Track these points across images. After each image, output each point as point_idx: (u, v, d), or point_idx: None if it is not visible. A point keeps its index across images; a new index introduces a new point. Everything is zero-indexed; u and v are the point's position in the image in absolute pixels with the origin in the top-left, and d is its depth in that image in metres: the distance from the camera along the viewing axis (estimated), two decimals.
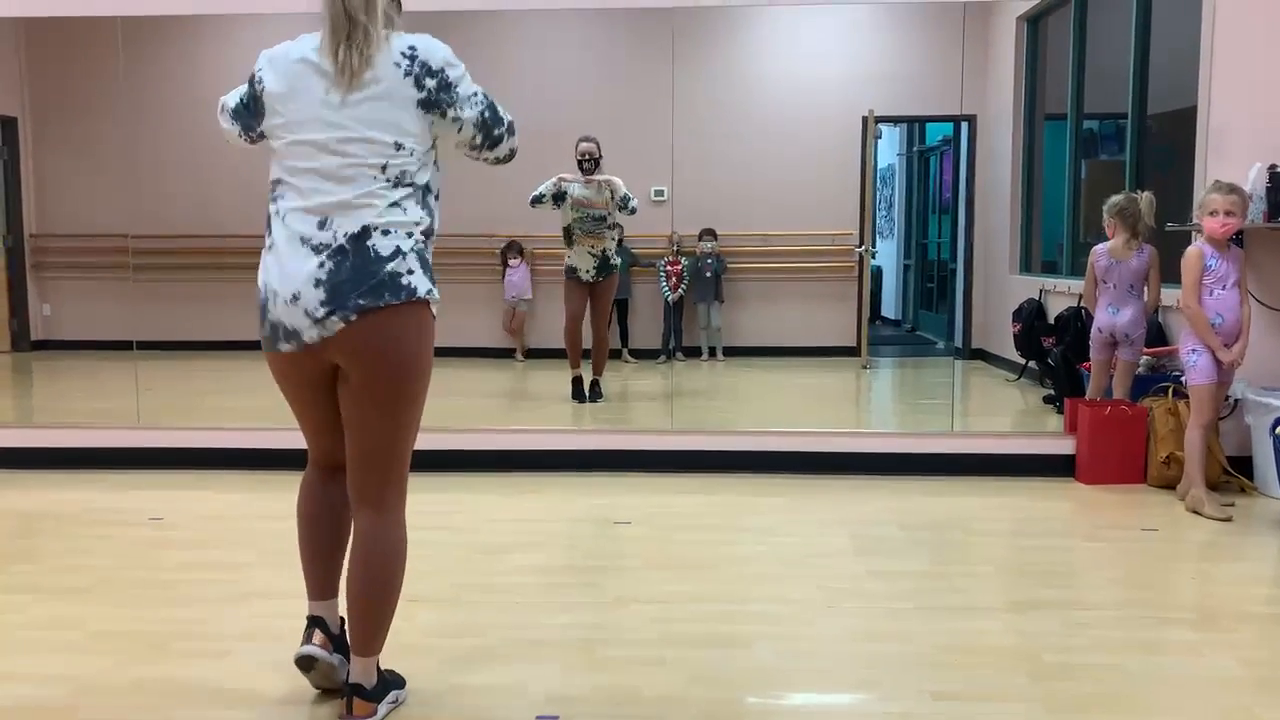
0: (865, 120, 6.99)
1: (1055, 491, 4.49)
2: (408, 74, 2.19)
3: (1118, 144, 6.43)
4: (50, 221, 7.22)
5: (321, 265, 2.15)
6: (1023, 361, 6.41)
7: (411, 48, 2.21)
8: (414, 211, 2.23)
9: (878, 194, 9.29)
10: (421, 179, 2.24)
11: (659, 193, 6.89)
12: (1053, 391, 5.83)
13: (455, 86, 2.24)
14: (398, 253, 2.18)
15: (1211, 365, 4.17)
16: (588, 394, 6.09)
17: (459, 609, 3.06)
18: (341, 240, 2.16)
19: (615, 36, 7.10)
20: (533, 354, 7.35)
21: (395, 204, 2.19)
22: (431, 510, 4.17)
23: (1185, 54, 4.86)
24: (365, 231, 2.16)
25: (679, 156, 5.81)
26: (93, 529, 3.92)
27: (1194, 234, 4.51)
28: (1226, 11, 4.53)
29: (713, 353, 7.44)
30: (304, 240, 2.17)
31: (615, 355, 6.92)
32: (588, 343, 6.16)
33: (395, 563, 2.30)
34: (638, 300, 7.45)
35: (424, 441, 4.15)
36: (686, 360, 7.42)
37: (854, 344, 7.26)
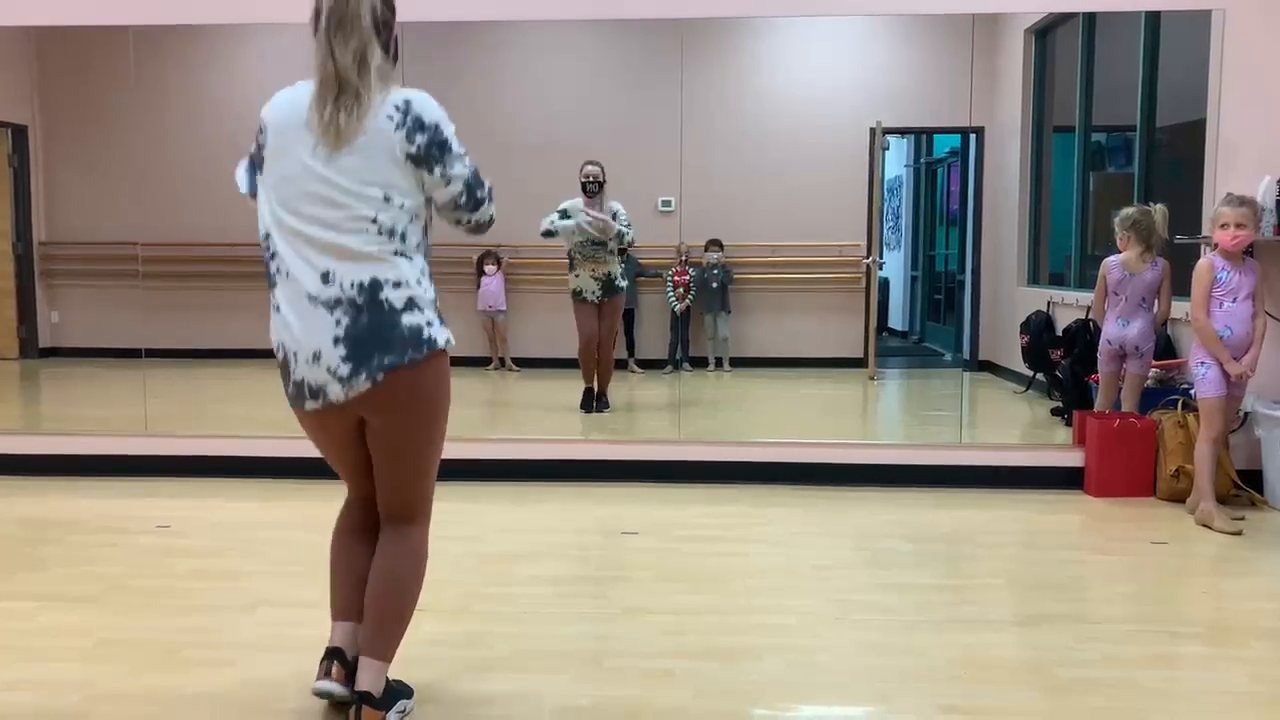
0: (873, 131, 6.99)
1: (1064, 504, 4.47)
2: (399, 127, 2.17)
3: (1126, 156, 6.43)
4: (59, 229, 7.24)
5: (338, 322, 2.17)
6: (1031, 374, 6.39)
7: (406, 102, 2.20)
8: (418, 261, 2.26)
9: (885, 205, 9.28)
10: (414, 235, 2.25)
11: (666, 203, 6.89)
12: (1061, 404, 5.82)
13: (448, 143, 2.23)
14: (412, 304, 2.20)
15: (1220, 378, 4.16)
16: (595, 405, 6.10)
17: (467, 619, 3.05)
18: (352, 293, 2.17)
19: (624, 48, 7.11)
20: (515, 363, 7.35)
21: (398, 253, 2.20)
22: (439, 520, 4.15)
23: (1194, 66, 4.86)
24: (376, 284, 2.18)
25: (687, 167, 5.81)
26: (101, 537, 3.93)
27: (1204, 247, 4.51)
28: (1236, 24, 4.53)
29: (719, 363, 7.43)
30: (312, 298, 2.18)
31: (621, 365, 6.91)
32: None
33: (416, 569, 2.35)
34: (644, 311, 7.44)
35: None
36: (693, 371, 7.41)
37: (861, 355, 7.24)
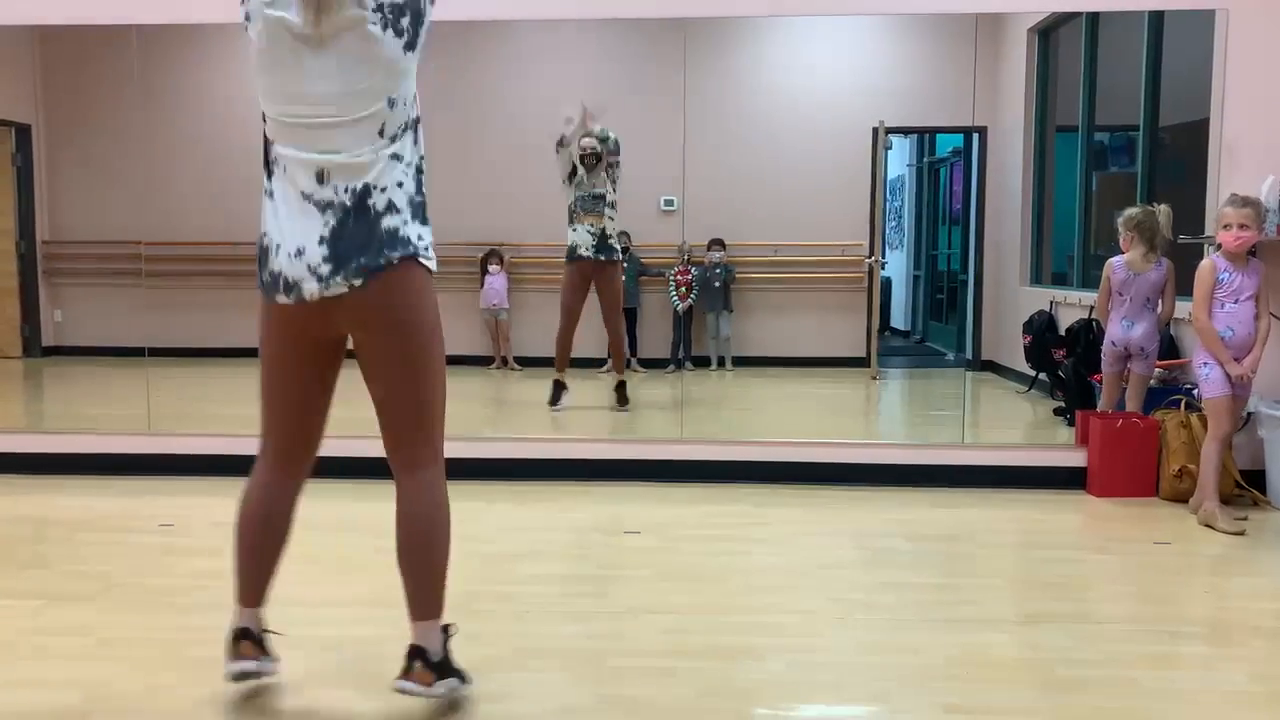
0: (876, 131, 6.99)
1: (1066, 504, 4.47)
2: (385, 26, 2.12)
3: (1129, 156, 6.42)
4: (63, 228, 7.25)
5: (326, 224, 2.16)
6: (1033, 373, 6.39)
7: None
8: (409, 153, 2.22)
9: (888, 205, 9.28)
10: (413, 115, 2.23)
11: (669, 202, 6.90)
12: (1063, 404, 5.81)
13: (423, 14, 2.18)
14: (392, 207, 2.17)
15: (1224, 377, 4.16)
16: (616, 399, 6.08)
17: (468, 618, 3.04)
18: (344, 198, 2.16)
19: (627, 47, 7.11)
20: (518, 362, 7.35)
21: (393, 156, 2.18)
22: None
23: (1198, 66, 4.85)
24: (366, 190, 2.16)
25: (689, 166, 5.82)
26: (103, 535, 3.93)
27: (1207, 247, 4.50)
28: (1239, 23, 4.52)
29: (721, 363, 7.43)
30: (305, 196, 2.17)
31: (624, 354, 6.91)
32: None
33: (436, 520, 2.31)
34: (647, 310, 7.44)
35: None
36: (695, 370, 7.41)
37: (863, 355, 7.24)
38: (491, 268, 7.22)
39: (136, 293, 6.14)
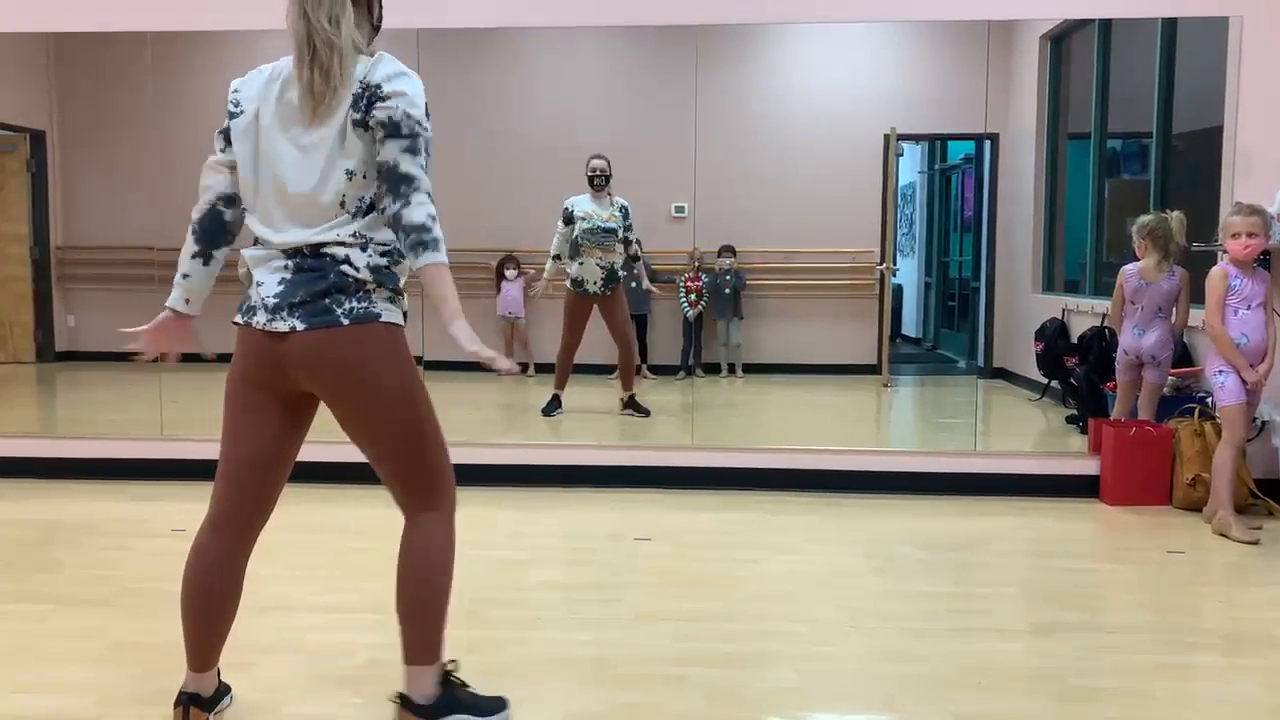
0: (887, 138, 6.99)
1: (1079, 512, 4.45)
2: (356, 100, 2.09)
3: (1141, 163, 6.39)
4: (77, 234, 7.28)
5: (286, 266, 2.17)
6: (1045, 381, 6.37)
7: (367, 73, 2.10)
8: (381, 234, 2.16)
9: (899, 212, 9.26)
10: (370, 210, 2.16)
11: (680, 209, 6.89)
12: (1075, 412, 5.79)
13: (416, 130, 2.09)
14: (351, 270, 2.12)
15: (1239, 385, 4.14)
16: (633, 411, 6.07)
17: (477, 625, 3.05)
18: (306, 252, 2.15)
19: (639, 54, 7.12)
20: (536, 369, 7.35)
21: (357, 234, 2.13)
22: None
23: (1211, 72, 4.84)
24: (324, 245, 2.14)
25: (700, 173, 5.82)
26: (116, 540, 3.94)
27: (1219, 254, 4.48)
28: (1254, 30, 4.51)
29: (732, 369, 7.42)
30: (269, 260, 2.20)
31: (634, 371, 6.91)
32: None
33: (435, 566, 2.24)
34: (657, 316, 7.43)
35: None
36: (706, 377, 7.40)
37: (874, 362, 7.22)
38: (508, 273, 7.22)
39: (150, 298, 6.14)
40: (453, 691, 2.30)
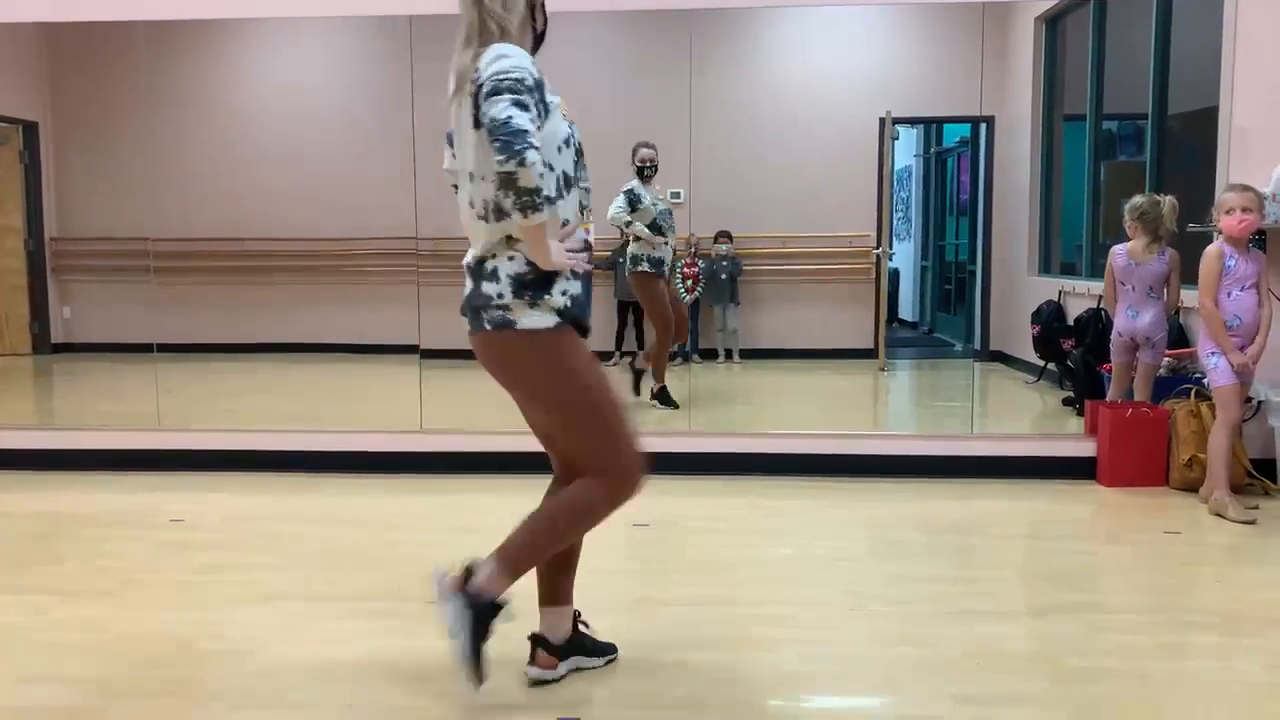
0: (883, 122, 6.97)
1: (1076, 494, 4.46)
2: (472, 98, 2.23)
3: (1137, 145, 6.40)
4: (71, 225, 7.26)
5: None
6: (1042, 364, 6.38)
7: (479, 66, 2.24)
8: (511, 234, 2.27)
9: (895, 196, 9.25)
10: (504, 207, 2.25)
11: (676, 194, 6.88)
12: (1072, 394, 5.80)
13: (499, 85, 2.18)
14: (494, 284, 2.28)
15: (1231, 366, 4.15)
16: (656, 401, 6.14)
17: None
18: (470, 262, 2.35)
19: (632, 39, 7.10)
20: None
21: (499, 233, 2.28)
22: (454, 512, 4.18)
23: (1206, 53, 4.83)
24: (481, 258, 2.32)
25: (696, 158, 5.81)
26: (115, 531, 3.95)
27: (1214, 235, 4.48)
28: (1249, 10, 4.50)
29: (729, 355, 7.42)
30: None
31: (630, 355, 6.91)
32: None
33: (564, 506, 2.41)
34: None
35: (447, 444, 4.15)
36: (703, 362, 7.41)
37: (871, 346, 7.23)
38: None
39: (145, 289, 6.15)
40: (578, 631, 2.59)
